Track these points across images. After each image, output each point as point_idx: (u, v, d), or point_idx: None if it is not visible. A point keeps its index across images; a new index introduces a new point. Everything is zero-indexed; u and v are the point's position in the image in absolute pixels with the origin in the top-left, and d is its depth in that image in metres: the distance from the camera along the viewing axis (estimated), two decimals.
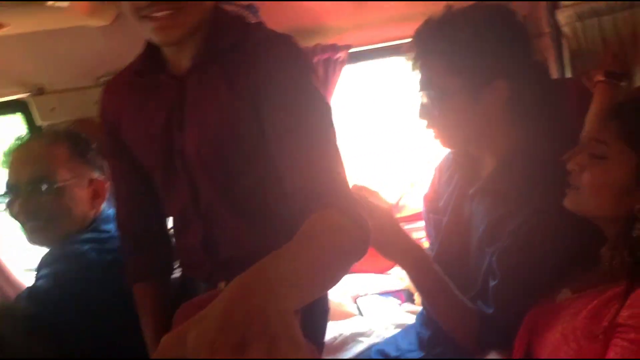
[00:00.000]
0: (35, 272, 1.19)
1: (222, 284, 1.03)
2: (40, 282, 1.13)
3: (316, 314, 1.14)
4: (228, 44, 0.91)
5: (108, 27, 1.37)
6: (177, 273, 1.21)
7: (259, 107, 0.87)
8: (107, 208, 1.30)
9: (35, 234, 1.23)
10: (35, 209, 1.19)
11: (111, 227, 1.24)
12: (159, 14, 0.79)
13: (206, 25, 0.90)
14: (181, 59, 0.93)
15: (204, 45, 0.91)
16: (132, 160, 1.05)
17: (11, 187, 1.22)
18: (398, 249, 1.08)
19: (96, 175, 1.27)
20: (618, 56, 1.20)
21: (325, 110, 0.85)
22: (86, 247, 1.17)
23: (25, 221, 1.22)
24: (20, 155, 1.23)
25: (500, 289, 1.00)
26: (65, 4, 1.10)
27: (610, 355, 0.73)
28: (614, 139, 0.85)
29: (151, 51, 0.96)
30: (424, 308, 1.26)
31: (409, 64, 1.13)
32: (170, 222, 1.15)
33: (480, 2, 1.07)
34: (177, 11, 0.80)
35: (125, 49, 1.40)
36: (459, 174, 1.21)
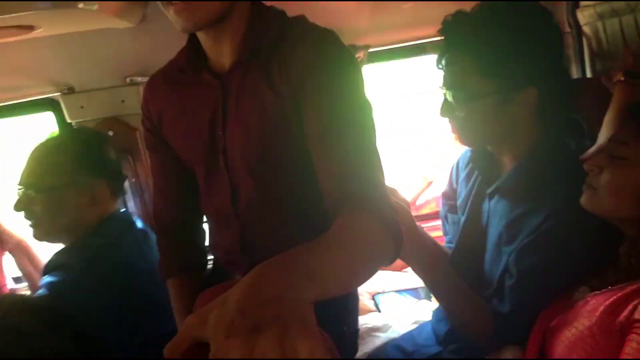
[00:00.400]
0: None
1: None
2: (55, 276, 1.18)
3: (348, 299, 1.14)
4: (269, 41, 0.89)
5: (135, 28, 1.41)
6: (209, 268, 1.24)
7: (301, 106, 0.86)
8: (117, 210, 1.34)
9: (33, 231, 1.30)
10: (26, 209, 1.26)
11: (111, 232, 1.27)
12: (174, 4, 0.80)
13: (246, 21, 0.90)
14: (222, 56, 0.93)
15: (245, 43, 0.90)
16: (172, 154, 1.06)
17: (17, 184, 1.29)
18: (411, 249, 1.05)
19: (98, 181, 1.29)
20: (638, 56, 1.19)
21: (367, 111, 0.84)
22: (75, 259, 1.21)
23: (24, 218, 1.29)
24: (29, 156, 1.29)
25: (517, 289, 1.00)
26: (95, 5, 1.13)
27: (627, 350, 0.74)
28: (634, 139, 0.85)
29: (193, 47, 0.96)
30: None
31: (434, 59, 1.09)
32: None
33: (517, 2, 1.01)
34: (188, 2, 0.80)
35: (152, 50, 1.47)
36: (478, 172, 1.20)
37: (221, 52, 0.93)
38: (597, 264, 0.96)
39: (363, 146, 0.81)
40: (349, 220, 0.70)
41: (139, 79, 1.50)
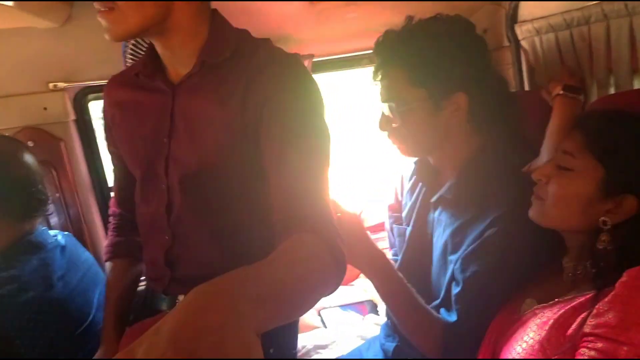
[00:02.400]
0: None
1: (181, 297, 1.01)
2: None
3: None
4: (226, 56, 0.91)
5: (59, 29, 1.30)
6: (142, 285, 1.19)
7: (256, 124, 0.87)
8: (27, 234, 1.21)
9: None
10: None
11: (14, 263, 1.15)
12: (101, 9, 0.81)
13: (205, 32, 0.91)
14: (177, 65, 0.94)
15: (199, 53, 0.90)
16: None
17: None
18: (364, 257, 1.08)
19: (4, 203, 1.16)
20: (574, 70, 1.23)
21: (325, 138, 0.86)
22: None
23: None
24: None
25: (463, 297, 1.01)
26: (10, 3, 1.03)
27: None
28: (580, 150, 0.86)
29: (153, 53, 0.96)
30: (389, 319, 1.24)
31: (371, 74, 1.13)
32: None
33: (441, 14, 1.08)
34: (109, 10, 0.81)
35: (77, 53, 1.37)
36: (422, 184, 1.23)
37: (174, 61, 0.94)
38: (542, 274, 0.96)
39: (318, 171, 0.82)
40: (295, 242, 0.69)
41: (64, 84, 1.38)
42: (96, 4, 0.81)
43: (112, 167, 1.18)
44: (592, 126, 0.87)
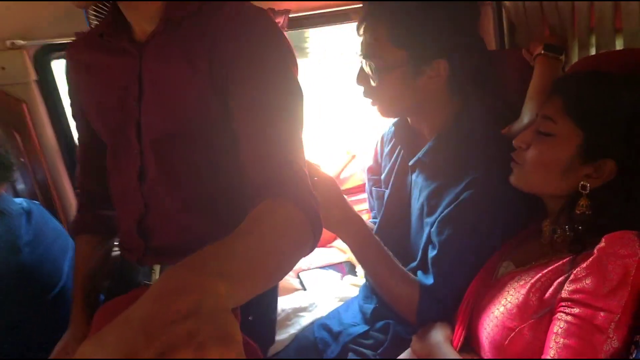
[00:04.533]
0: None
1: (157, 267, 0.99)
2: None
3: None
4: (189, 12, 0.85)
5: None
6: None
7: (223, 85, 0.82)
8: None
9: None
10: None
11: None
12: None
13: None
14: (142, 25, 0.88)
15: (164, 9, 0.85)
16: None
17: None
18: (341, 221, 1.07)
19: None
20: (556, 30, 1.21)
21: (297, 98, 0.82)
22: None
23: None
24: None
25: (439, 259, 1.02)
26: None
27: (554, 329, 0.75)
28: (560, 115, 0.85)
29: (117, 14, 0.90)
30: (367, 280, 1.25)
31: (355, 28, 1.09)
32: None
33: None
34: None
35: (36, 8, 1.28)
36: (401, 146, 1.21)
37: (139, 20, 0.88)
38: (519, 237, 0.97)
39: (289, 133, 0.79)
40: (268, 207, 0.67)
41: (22, 42, 1.30)
42: None
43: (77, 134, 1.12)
44: (571, 90, 0.86)
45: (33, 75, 1.37)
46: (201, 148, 0.91)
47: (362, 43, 1.07)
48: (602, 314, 0.71)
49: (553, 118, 0.86)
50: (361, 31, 1.07)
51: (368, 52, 1.05)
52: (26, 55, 1.34)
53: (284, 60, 0.83)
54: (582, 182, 0.83)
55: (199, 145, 0.90)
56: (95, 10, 1.21)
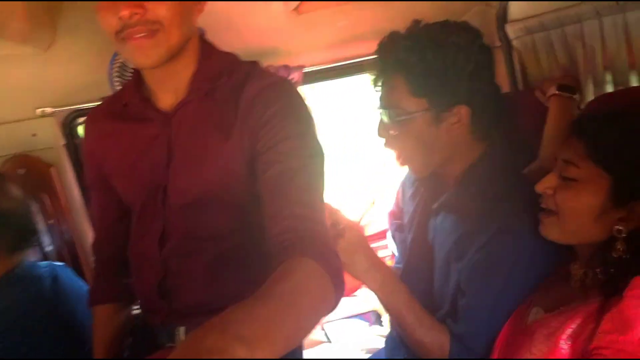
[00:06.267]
0: None
1: (181, 330, 0.98)
2: None
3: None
4: (218, 82, 0.90)
5: (44, 55, 1.28)
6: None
7: (252, 149, 0.86)
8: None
9: None
10: None
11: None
12: (136, 36, 0.79)
13: (195, 59, 0.90)
14: (168, 93, 0.92)
15: (194, 81, 0.90)
16: (111, 191, 1.04)
17: None
18: (366, 268, 1.05)
19: None
20: (569, 69, 1.22)
21: (320, 159, 0.86)
22: None
23: None
24: None
25: (470, 307, 0.99)
26: None
27: None
28: (582, 159, 0.83)
29: (140, 83, 0.94)
30: (393, 331, 1.22)
31: (370, 80, 1.10)
32: None
33: (449, 21, 1.04)
34: (152, 33, 0.80)
35: (64, 77, 1.35)
36: (423, 190, 1.20)
37: (167, 88, 0.92)
38: (549, 282, 0.94)
39: (312, 191, 0.81)
40: (288, 268, 0.67)
41: (52, 109, 1.37)
42: (129, 32, 0.79)
43: (92, 207, 1.14)
44: (591, 132, 0.84)
45: (61, 140, 1.43)
46: (225, 211, 0.93)
47: (380, 96, 1.08)
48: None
49: (575, 163, 0.84)
50: (379, 83, 1.08)
51: (387, 103, 1.06)
52: (55, 122, 1.40)
53: (307, 124, 0.87)
54: (617, 227, 0.80)
55: (224, 208, 0.93)
56: (118, 75, 1.27)
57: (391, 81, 1.05)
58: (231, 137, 0.88)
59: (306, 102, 0.91)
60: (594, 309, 0.76)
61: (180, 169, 0.92)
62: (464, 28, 1.03)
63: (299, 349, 1.15)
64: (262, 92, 0.87)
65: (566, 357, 0.77)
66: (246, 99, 0.87)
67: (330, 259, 0.71)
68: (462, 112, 1.01)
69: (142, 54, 0.81)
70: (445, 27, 1.02)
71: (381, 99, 1.08)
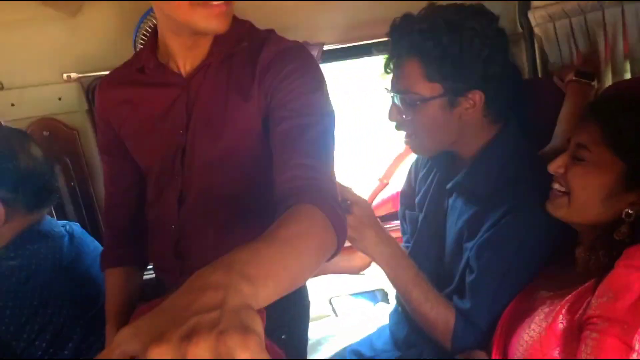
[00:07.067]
0: None
1: None
2: None
3: (297, 309, 1.14)
4: (237, 47, 0.93)
5: (72, 20, 1.31)
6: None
7: (267, 108, 0.89)
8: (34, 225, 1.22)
9: None
10: None
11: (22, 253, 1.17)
12: (218, 2, 0.81)
13: None
14: (185, 59, 0.94)
15: (214, 46, 0.92)
16: (126, 157, 1.06)
17: None
18: (375, 243, 1.06)
19: (10, 195, 1.15)
20: (588, 56, 1.22)
21: (332, 118, 0.89)
22: None
23: None
24: None
25: (477, 284, 1.01)
26: None
27: (582, 347, 0.74)
28: (596, 144, 0.84)
29: (153, 48, 0.97)
30: (398, 306, 1.24)
31: (383, 63, 1.10)
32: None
33: (464, 4, 1.01)
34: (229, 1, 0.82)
35: (90, 44, 1.38)
36: (436, 170, 1.21)
37: (188, 53, 0.94)
38: (555, 265, 0.96)
39: (323, 147, 0.84)
40: (293, 213, 0.69)
41: (77, 75, 1.40)
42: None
43: (105, 173, 1.15)
44: (607, 116, 0.84)
45: (85, 106, 1.47)
46: (241, 170, 0.95)
47: (392, 79, 1.08)
48: (626, 327, 0.70)
49: (589, 147, 0.84)
50: (390, 66, 1.08)
51: (399, 86, 1.05)
52: (80, 87, 1.43)
53: (319, 84, 0.90)
54: (626, 210, 0.81)
55: (240, 167, 0.95)
56: (142, 43, 1.30)
57: (405, 64, 1.03)
58: (250, 98, 0.90)
59: (319, 67, 0.92)
60: (591, 285, 0.79)
61: (200, 130, 0.94)
62: (480, 12, 1.01)
63: (307, 314, 1.18)
64: (278, 55, 0.90)
65: (563, 332, 0.79)
66: (263, 62, 0.90)
67: (333, 207, 0.73)
68: (477, 97, 1.01)
69: (222, 20, 0.83)
70: (461, 11, 1.00)
71: (393, 82, 1.07)
